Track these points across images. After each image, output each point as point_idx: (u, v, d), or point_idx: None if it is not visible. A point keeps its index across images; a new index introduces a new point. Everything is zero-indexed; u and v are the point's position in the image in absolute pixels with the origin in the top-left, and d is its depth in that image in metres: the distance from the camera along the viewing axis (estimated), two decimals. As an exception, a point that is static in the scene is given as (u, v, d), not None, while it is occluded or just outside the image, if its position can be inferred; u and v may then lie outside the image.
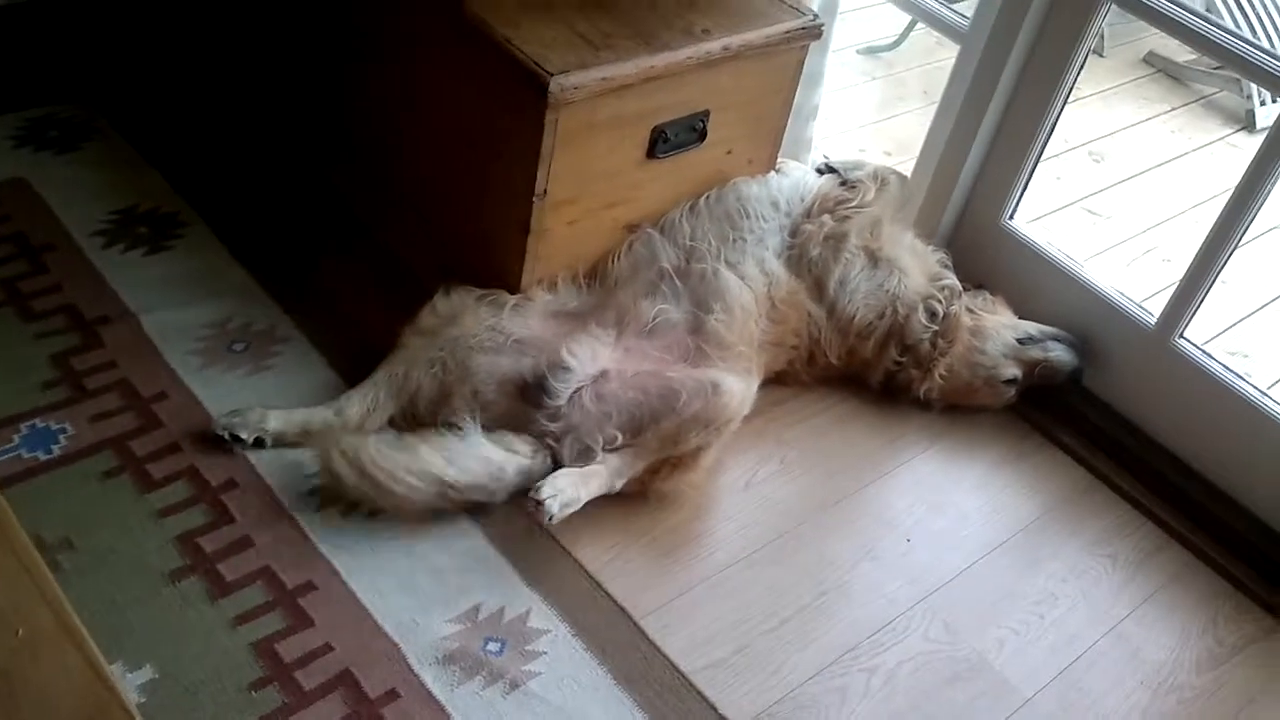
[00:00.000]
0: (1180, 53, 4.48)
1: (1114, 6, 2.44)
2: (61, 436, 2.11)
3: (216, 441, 2.15)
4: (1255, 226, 2.41)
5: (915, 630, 2.17)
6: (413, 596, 2.01)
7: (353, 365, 2.32)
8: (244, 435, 2.14)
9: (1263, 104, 4.26)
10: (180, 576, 1.95)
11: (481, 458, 2.11)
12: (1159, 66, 4.53)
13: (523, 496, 2.08)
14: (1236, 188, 2.34)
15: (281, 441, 2.18)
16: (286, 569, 1.99)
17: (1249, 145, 4.11)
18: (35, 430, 2.11)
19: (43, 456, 2.07)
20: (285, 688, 1.83)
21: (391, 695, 1.86)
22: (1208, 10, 4.08)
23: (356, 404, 2.21)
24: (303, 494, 2.12)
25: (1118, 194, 3.71)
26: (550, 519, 2.04)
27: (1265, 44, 3.80)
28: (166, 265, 2.50)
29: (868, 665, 2.09)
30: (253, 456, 2.16)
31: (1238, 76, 4.24)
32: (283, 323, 2.43)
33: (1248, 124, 4.27)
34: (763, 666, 2.04)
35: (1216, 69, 4.35)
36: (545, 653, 1.97)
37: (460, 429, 2.14)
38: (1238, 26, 4.10)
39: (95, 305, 2.37)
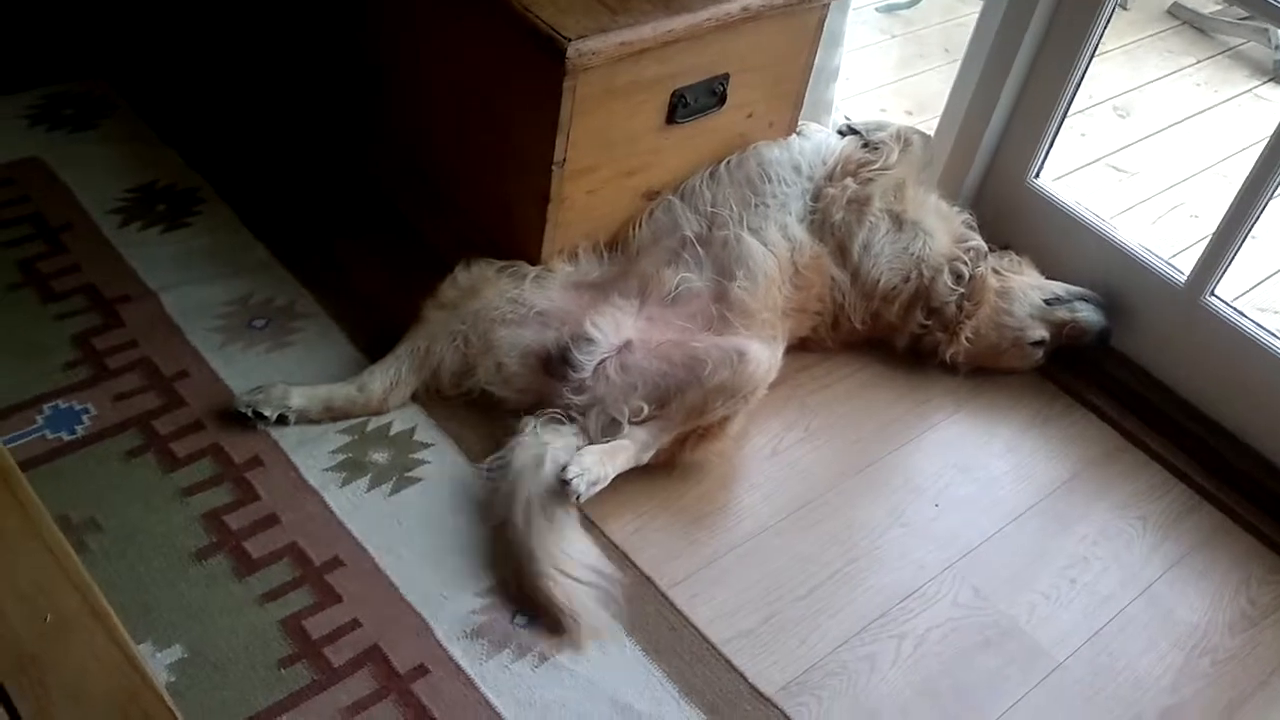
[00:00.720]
0: (1206, 3, 4.40)
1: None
2: (84, 417, 2.11)
3: (239, 419, 2.14)
4: (1288, 180, 2.36)
5: (945, 596, 2.15)
6: (440, 571, 2.00)
7: (374, 341, 2.31)
8: (267, 412, 2.14)
9: (1291, 54, 4.18)
10: (207, 555, 1.95)
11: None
12: (1184, 18, 4.45)
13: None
14: (1269, 140, 2.29)
15: (305, 418, 2.17)
16: (313, 545, 1.99)
17: (1277, 97, 4.04)
18: (58, 411, 2.11)
19: (66, 437, 2.07)
20: (314, 664, 1.83)
21: (420, 670, 1.85)
22: (1234, -41, 3.99)
23: (379, 379, 2.21)
24: (327, 470, 2.11)
25: (1144, 149, 3.64)
26: (578, 498, 2.03)
27: (1294, -8, 3.73)
28: (185, 242, 2.49)
29: (897, 632, 2.08)
30: (276, 433, 2.15)
31: (1266, 26, 4.15)
32: (303, 299, 2.42)
33: (1276, 75, 4.19)
34: (792, 635, 2.03)
35: (1244, 19, 4.26)
36: (574, 625, 1.97)
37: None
38: (1265, -25, 4.02)
39: (114, 284, 2.36)
